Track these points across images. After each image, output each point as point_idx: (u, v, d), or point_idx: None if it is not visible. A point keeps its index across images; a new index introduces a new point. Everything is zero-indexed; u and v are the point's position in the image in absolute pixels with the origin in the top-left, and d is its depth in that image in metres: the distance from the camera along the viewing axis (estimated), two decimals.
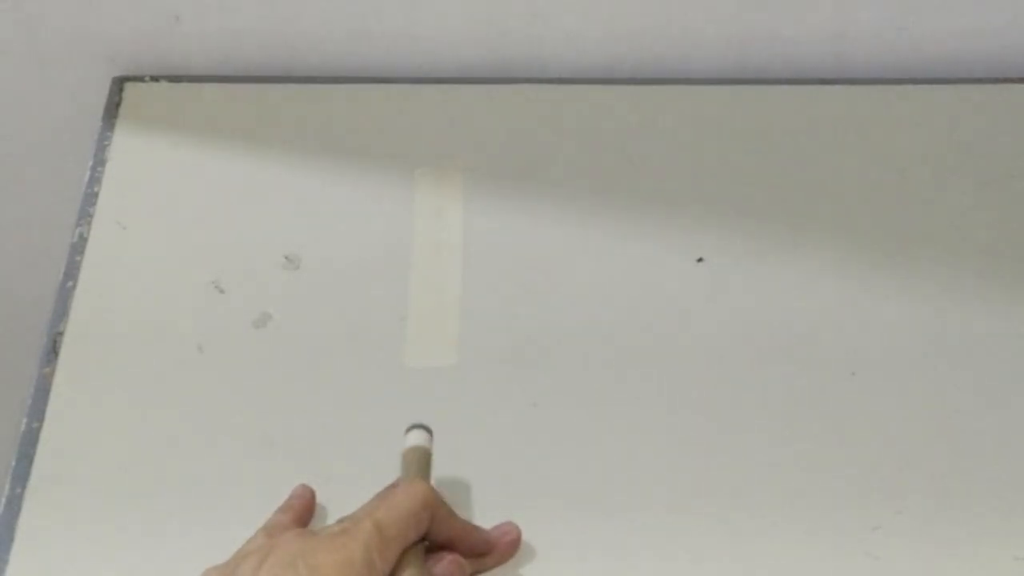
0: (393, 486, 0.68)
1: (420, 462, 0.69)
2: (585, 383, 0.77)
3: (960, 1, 0.94)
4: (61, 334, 0.79)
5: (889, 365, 0.78)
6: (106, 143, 0.90)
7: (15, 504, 0.71)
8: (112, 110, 0.92)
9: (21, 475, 0.72)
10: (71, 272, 0.82)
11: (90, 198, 0.86)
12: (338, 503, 0.70)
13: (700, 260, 0.84)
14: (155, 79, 0.95)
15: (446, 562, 0.66)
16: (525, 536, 0.70)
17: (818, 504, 0.72)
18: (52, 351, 0.78)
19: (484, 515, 0.70)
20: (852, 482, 0.73)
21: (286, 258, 0.84)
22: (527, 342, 0.79)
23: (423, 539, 0.66)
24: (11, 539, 0.70)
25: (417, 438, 0.70)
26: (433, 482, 0.69)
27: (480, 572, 0.69)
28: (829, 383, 0.78)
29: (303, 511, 0.70)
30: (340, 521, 0.65)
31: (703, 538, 0.71)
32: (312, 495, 0.71)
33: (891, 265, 0.84)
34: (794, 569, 0.70)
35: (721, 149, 0.90)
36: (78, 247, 0.84)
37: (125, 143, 0.90)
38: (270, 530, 0.67)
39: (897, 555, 0.70)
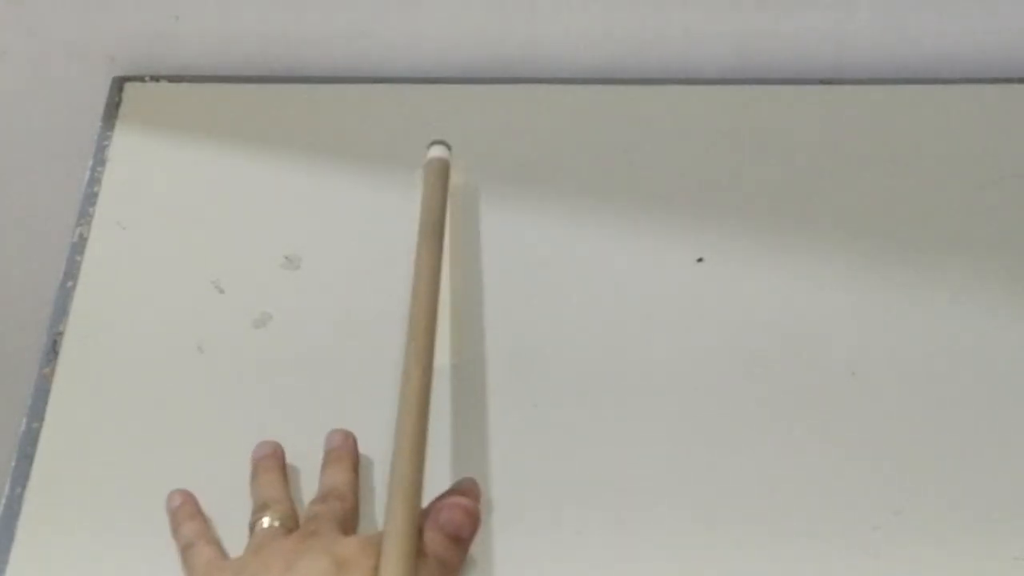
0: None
1: (440, 171, 0.83)
2: (585, 383, 0.77)
3: (960, 1, 0.94)
4: (61, 334, 0.79)
5: (889, 365, 0.78)
6: (106, 143, 0.90)
7: (15, 504, 0.71)
8: (112, 110, 0.92)
9: (21, 475, 0.72)
10: (71, 272, 0.82)
11: (90, 198, 0.86)
12: None
13: (700, 260, 0.84)
14: (155, 79, 0.95)
15: (447, 507, 0.67)
16: (525, 536, 0.70)
17: (818, 504, 0.72)
18: (52, 351, 0.78)
19: (484, 515, 0.70)
20: (852, 482, 0.73)
21: (286, 258, 0.83)
22: (527, 342, 0.79)
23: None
24: (11, 539, 0.70)
25: (438, 150, 0.84)
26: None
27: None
28: (829, 383, 0.78)
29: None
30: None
31: (702, 538, 0.71)
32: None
33: (891, 265, 0.84)
34: (794, 569, 0.70)
35: (721, 149, 0.90)
36: (78, 247, 0.84)
37: (125, 143, 0.90)
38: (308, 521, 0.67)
39: (897, 555, 0.70)
